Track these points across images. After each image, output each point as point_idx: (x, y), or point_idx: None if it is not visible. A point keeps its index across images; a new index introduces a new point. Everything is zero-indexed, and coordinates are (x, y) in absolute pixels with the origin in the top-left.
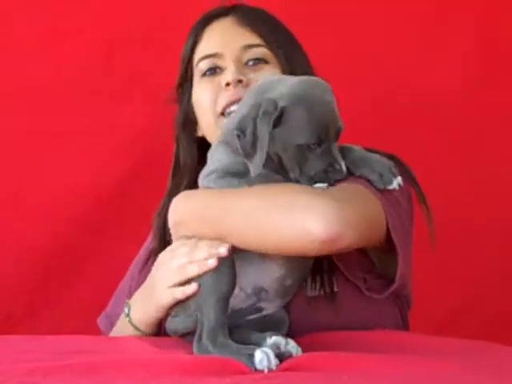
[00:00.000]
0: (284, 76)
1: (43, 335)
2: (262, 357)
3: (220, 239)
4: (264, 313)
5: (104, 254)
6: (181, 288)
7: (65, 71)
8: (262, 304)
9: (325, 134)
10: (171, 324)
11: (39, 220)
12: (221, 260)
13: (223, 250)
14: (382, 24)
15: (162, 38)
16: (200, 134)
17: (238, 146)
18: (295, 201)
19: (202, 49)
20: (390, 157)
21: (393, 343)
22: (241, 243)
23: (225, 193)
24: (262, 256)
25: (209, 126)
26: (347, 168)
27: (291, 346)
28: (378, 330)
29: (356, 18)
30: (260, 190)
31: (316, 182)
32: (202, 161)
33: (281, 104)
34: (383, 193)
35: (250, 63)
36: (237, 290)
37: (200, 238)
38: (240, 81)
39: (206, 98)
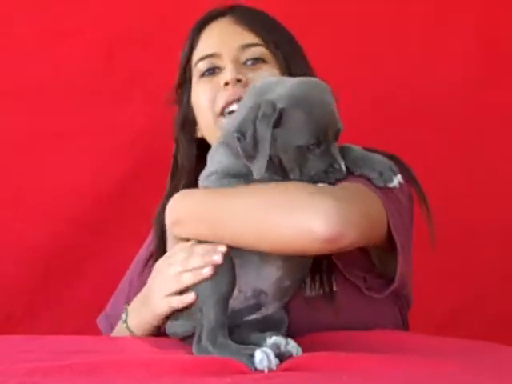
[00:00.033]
0: (283, 77)
1: (43, 335)
2: (262, 357)
3: (218, 239)
4: (263, 314)
5: (104, 253)
6: (178, 297)
7: (65, 71)
8: (261, 304)
9: (324, 134)
10: (171, 327)
11: (39, 220)
12: (217, 266)
13: (218, 258)
14: (382, 24)
15: (162, 38)
16: (199, 134)
17: (240, 149)
18: (296, 199)
19: (201, 49)
20: (391, 157)
21: (393, 343)
22: (239, 243)
23: (223, 192)
24: (261, 258)
25: (208, 126)
26: (347, 167)
27: (291, 346)
28: (377, 330)
29: (356, 18)
30: (259, 188)
31: (316, 183)
32: (201, 162)
33: (279, 106)
34: (384, 192)
35: (249, 63)
36: (236, 292)
37: (198, 237)
38: (239, 80)
39: (204, 98)
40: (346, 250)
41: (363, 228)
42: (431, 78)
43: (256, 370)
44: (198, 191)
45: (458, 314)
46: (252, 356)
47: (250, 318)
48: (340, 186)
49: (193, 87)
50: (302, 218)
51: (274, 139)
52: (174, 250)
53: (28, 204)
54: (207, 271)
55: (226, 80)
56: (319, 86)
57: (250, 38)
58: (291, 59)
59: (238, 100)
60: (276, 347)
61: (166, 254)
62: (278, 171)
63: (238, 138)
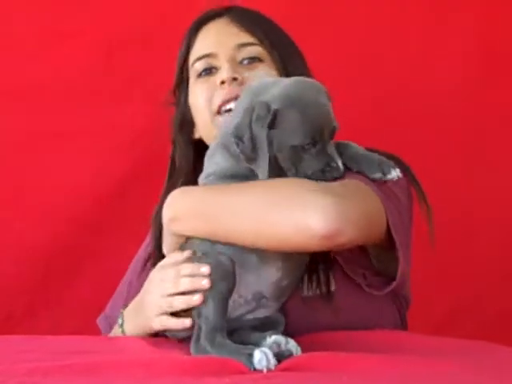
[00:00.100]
0: (278, 78)
1: (43, 335)
2: (261, 357)
3: (216, 235)
4: (261, 315)
5: (104, 254)
6: (173, 320)
7: (65, 71)
8: (261, 308)
9: (319, 134)
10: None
11: (39, 220)
12: (220, 265)
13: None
14: (381, 24)
15: (162, 38)
16: (197, 136)
17: (239, 153)
18: (294, 196)
19: (197, 49)
20: (391, 157)
21: (392, 343)
22: (238, 239)
23: (222, 189)
24: (261, 259)
25: (205, 125)
26: (345, 164)
27: (291, 345)
28: (377, 329)
29: (356, 18)
30: (258, 185)
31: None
32: (198, 163)
33: (273, 106)
34: (383, 190)
35: (245, 62)
36: (236, 297)
37: (196, 234)
38: (235, 79)
39: (202, 98)
40: (345, 247)
41: (362, 225)
42: (431, 78)
43: (255, 369)
44: (196, 188)
45: (456, 314)
46: (251, 356)
47: (248, 317)
48: (339, 183)
49: (190, 87)
50: (301, 214)
51: (270, 140)
52: (166, 261)
53: (28, 204)
54: (197, 299)
55: (222, 79)
56: (314, 86)
57: (247, 37)
58: (288, 59)
59: (235, 98)
60: (276, 346)
61: (160, 263)
62: (277, 171)
63: (237, 143)
